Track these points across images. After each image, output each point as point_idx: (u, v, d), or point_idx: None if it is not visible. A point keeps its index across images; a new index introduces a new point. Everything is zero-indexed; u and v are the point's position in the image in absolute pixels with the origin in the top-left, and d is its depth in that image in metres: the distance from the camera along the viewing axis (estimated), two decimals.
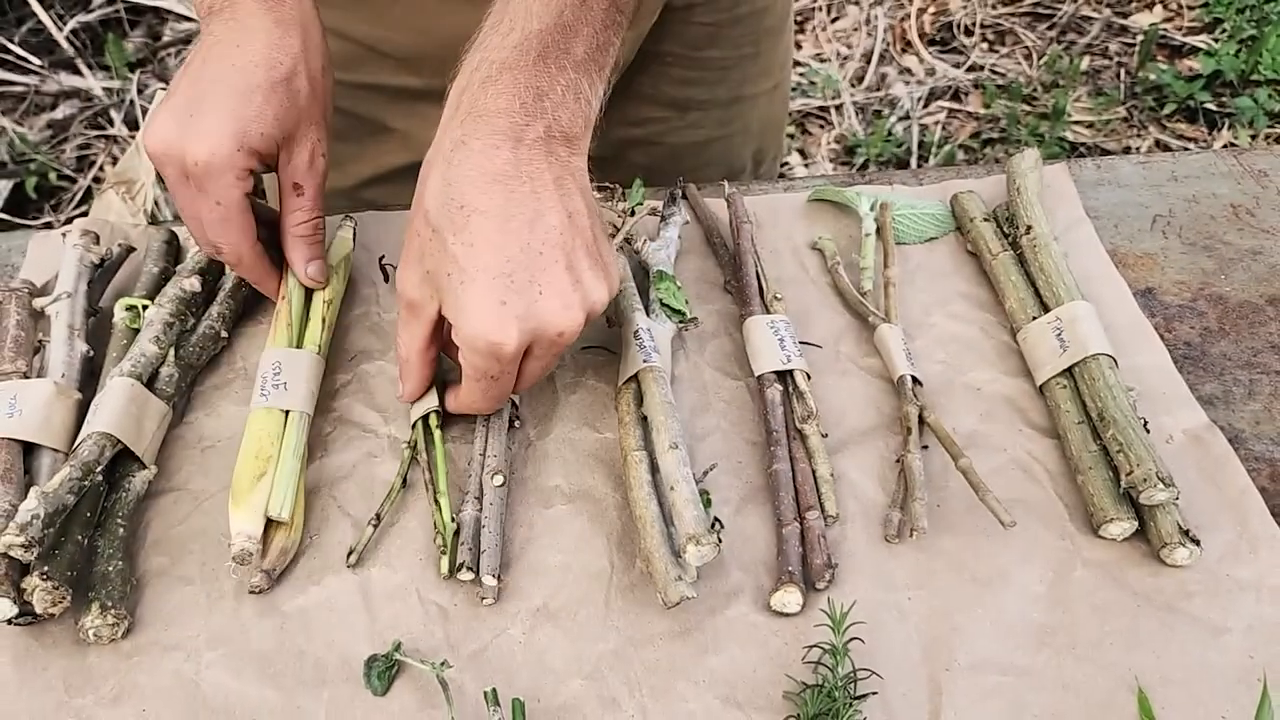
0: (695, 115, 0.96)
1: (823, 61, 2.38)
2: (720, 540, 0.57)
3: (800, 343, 0.71)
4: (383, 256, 0.77)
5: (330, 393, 0.71)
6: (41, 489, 0.57)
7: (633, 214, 0.77)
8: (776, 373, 0.68)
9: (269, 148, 0.66)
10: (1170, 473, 0.60)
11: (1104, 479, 0.62)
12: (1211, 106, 2.19)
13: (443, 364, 0.67)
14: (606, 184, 0.78)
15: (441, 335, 0.63)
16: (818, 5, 2.51)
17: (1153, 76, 2.25)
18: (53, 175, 2.10)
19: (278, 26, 0.65)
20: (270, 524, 0.61)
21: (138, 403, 0.64)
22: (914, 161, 2.15)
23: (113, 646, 0.58)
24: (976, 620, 0.58)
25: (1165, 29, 2.38)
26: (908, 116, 2.24)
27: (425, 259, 0.58)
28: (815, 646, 0.56)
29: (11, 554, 0.54)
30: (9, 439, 0.62)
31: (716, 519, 0.58)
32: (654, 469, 0.62)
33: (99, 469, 0.60)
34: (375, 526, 0.61)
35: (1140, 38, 2.35)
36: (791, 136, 2.22)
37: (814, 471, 0.64)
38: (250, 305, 0.76)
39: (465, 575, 0.59)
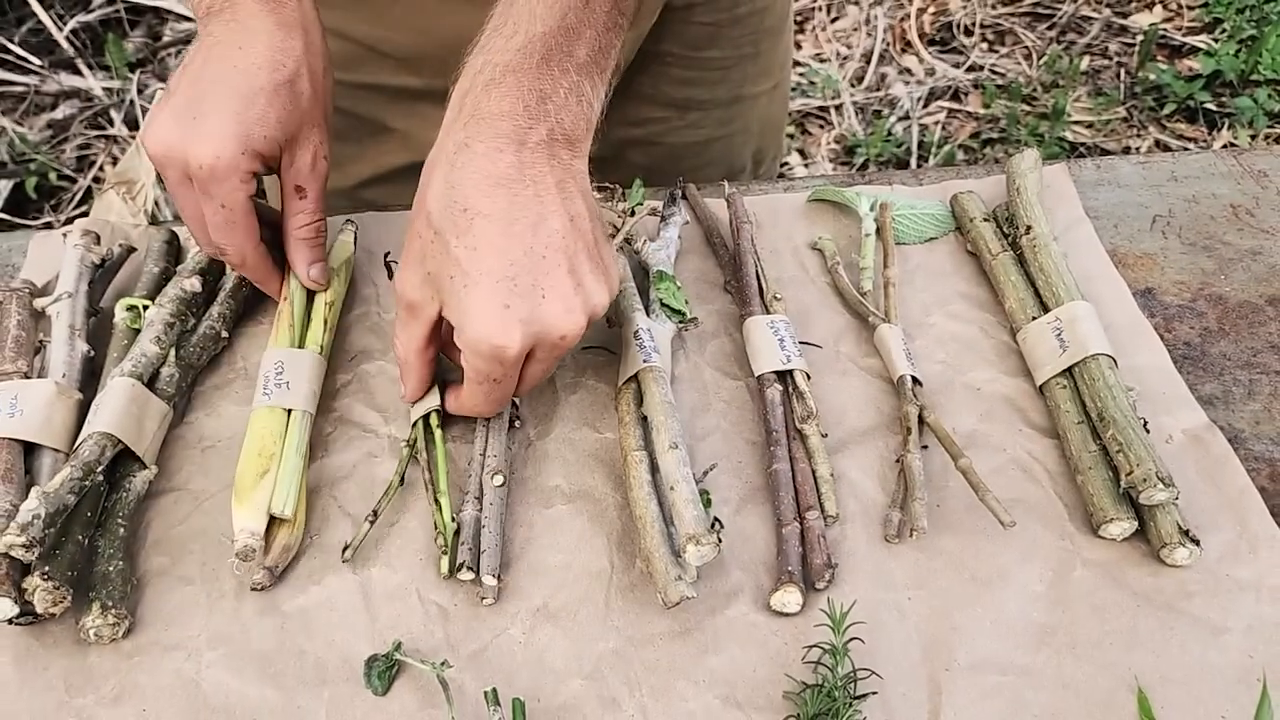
0: (695, 115, 0.96)
1: (823, 61, 2.38)
2: (720, 540, 0.57)
3: (800, 343, 0.71)
4: (388, 253, 0.77)
5: (331, 393, 0.71)
6: (42, 489, 0.57)
7: (633, 214, 0.77)
8: (776, 373, 0.68)
9: (272, 150, 0.66)
10: (1170, 473, 0.60)
11: (1104, 479, 0.62)
12: (1211, 106, 2.19)
13: (443, 364, 0.67)
14: (606, 184, 0.78)
15: (439, 336, 0.64)
16: (818, 5, 2.51)
17: (1152, 76, 2.25)
18: (53, 175, 2.10)
19: (280, 28, 0.65)
20: (273, 521, 0.61)
21: (138, 403, 0.64)
22: (914, 161, 2.15)
23: (113, 646, 0.58)
24: (976, 620, 0.58)
25: (1165, 29, 2.38)
26: (907, 116, 2.24)
27: (427, 260, 0.58)
28: (815, 646, 0.56)
29: (12, 554, 0.55)
30: (10, 439, 0.62)
31: (716, 519, 0.58)
32: (654, 469, 0.62)
33: (100, 469, 0.61)
34: (372, 523, 0.61)
35: (1140, 38, 2.35)
36: (791, 136, 2.22)
37: (814, 471, 0.64)
38: (251, 305, 0.76)
39: (465, 575, 0.59)
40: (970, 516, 0.63)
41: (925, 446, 0.66)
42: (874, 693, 0.55)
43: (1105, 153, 2.15)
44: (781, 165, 1.61)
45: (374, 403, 0.70)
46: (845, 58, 2.40)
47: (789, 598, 0.58)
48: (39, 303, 0.72)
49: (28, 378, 0.66)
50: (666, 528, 0.59)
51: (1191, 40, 2.35)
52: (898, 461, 0.66)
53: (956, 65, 2.35)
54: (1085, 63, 2.33)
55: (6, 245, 0.82)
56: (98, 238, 0.77)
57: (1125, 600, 0.59)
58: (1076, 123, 2.21)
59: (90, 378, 0.69)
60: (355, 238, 0.79)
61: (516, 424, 0.68)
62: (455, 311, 0.57)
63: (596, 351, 0.72)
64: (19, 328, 0.69)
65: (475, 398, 0.61)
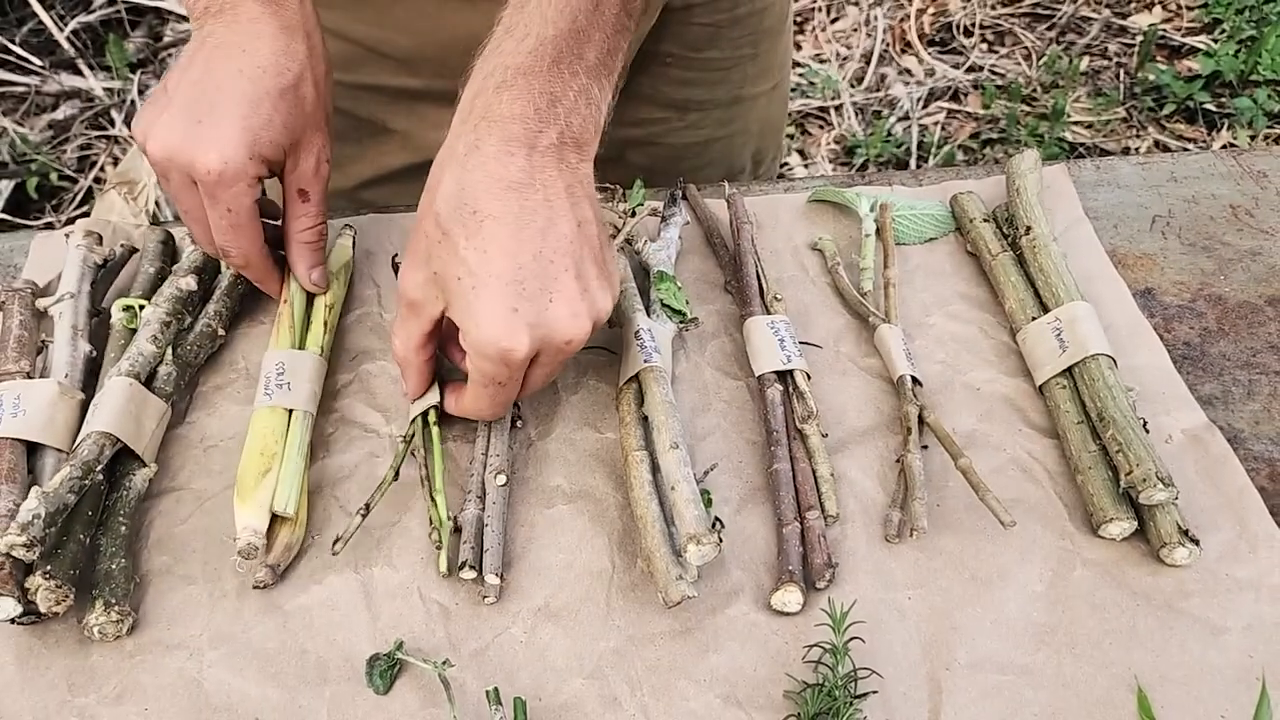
0: (695, 116, 0.96)
1: (822, 62, 2.38)
2: (721, 540, 0.57)
3: (800, 343, 0.71)
4: (395, 255, 0.78)
5: (332, 393, 0.71)
6: (42, 489, 0.57)
7: (633, 215, 0.77)
8: (777, 373, 0.69)
9: (278, 155, 0.66)
10: (1169, 472, 0.60)
11: (1103, 479, 0.62)
12: (1211, 107, 2.20)
13: (443, 362, 0.67)
14: (607, 185, 0.78)
15: (438, 336, 0.64)
16: (817, 5, 2.51)
17: (1152, 77, 2.25)
18: (54, 176, 2.11)
19: (283, 31, 0.65)
20: (275, 520, 0.61)
21: (136, 401, 0.64)
22: (913, 162, 2.15)
23: (115, 645, 0.58)
24: (976, 619, 0.59)
25: (1164, 29, 2.39)
26: (907, 117, 2.24)
27: (433, 260, 0.58)
28: (815, 645, 0.56)
29: (14, 554, 0.55)
30: (13, 439, 0.62)
31: (717, 518, 0.58)
32: (655, 469, 0.62)
33: (99, 468, 0.61)
34: (364, 516, 0.61)
35: (1139, 38, 2.35)
36: (791, 137, 2.22)
37: (814, 471, 0.64)
38: (248, 304, 0.76)
39: (468, 574, 0.59)
40: (970, 516, 0.63)
41: (925, 446, 0.66)
42: (874, 692, 0.55)
43: (1105, 153, 2.15)
44: (781, 166, 1.61)
45: (375, 403, 0.70)
46: (845, 58, 2.40)
47: (789, 597, 0.58)
48: (41, 303, 0.72)
49: (30, 378, 0.67)
50: (667, 527, 0.59)
51: (1191, 41, 2.35)
52: (898, 461, 0.66)
53: (956, 66, 2.36)
54: (1085, 63, 2.33)
55: (8, 245, 0.83)
56: (100, 238, 0.77)
57: (1125, 600, 0.59)
58: (1076, 123, 2.21)
59: (92, 378, 0.69)
60: (354, 241, 0.79)
61: (518, 424, 0.69)
62: (462, 313, 0.57)
63: (597, 352, 0.72)
64: (21, 328, 0.69)
65: (479, 400, 0.61)
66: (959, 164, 2.09)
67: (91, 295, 0.73)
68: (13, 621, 0.56)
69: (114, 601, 0.57)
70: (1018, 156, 0.81)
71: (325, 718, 0.55)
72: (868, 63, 2.38)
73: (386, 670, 0.56)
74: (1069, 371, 0.68)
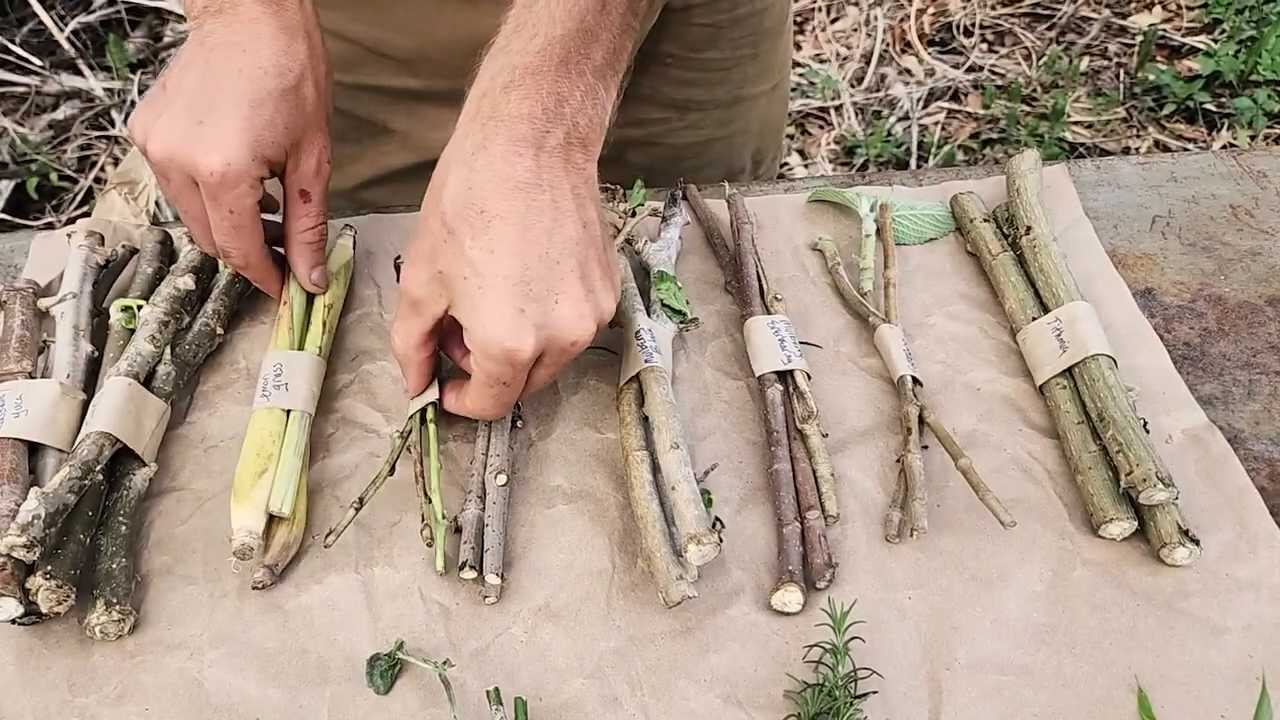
0: (695, 116, 0.96)
1: (822, 62, 2.38)
2: (721, 540, 0.57)
3: (800, 343, 0.71)
4: (398, 256, 0.78)
5: (332, 393, 0.71)
6: (42, 489, 0.57)
7: (634, 215, 0.77)
8: (777, 373, 0.69)
9: (280, 156, 0.66)
10: (1170, 473, 0.60)
11: (1103, 479, 0.62)
12: (1211, 107, 2.20)
13: (444, 360, 0.67)
14: (607, 185, 0.79)
15: (439, 334, 0.64)
16: (817, 6, 2.52)
17: (1152, 77, 2.25)
18: (54, 176, 2.11)
19: (284, 32, 0.65)
20: (272, 520, 0.62)
21: (135, 401, 0.64)
22: (914, 162, 2.15)
23: (116, 646, 0.58)
24: (976, 619, 0.59)
25: (1164, 30, 2.39)
26: (907, 117, 2.24)
27: (437, 259, 0.58)
28: (816, 645, 0.56)
29: (14, 555, 0.55)
30: (15, 439, 0.62)
31: (717, 518, 0.58)
32: (655, 469, 0.62)
33: (98, 468, 0.61)
34: (357, 510, 0.61)
35: (1139, 38, 2.35)
36: (791, 137, 2.22)
37: (814, 471, 0.64)
38: (248, 303, 0.76)
39: (468, 574, 0.59)
40: (970, 516, 0.63)
41: (925, 446, 0.66)
42: (874, 692, 0.55)
43: (1105, 153, 2.15)
44: (781, 166, 1.61)
45: (376, 403, 0.70)
46: (845, 58, 2.40)
47: (790, 597, 0.58)
48: (43, 303, 0.72)
49: (32, 378, 0.67)
50: (668, 527, 0.59)
51: (1191, 41, 2.35)
52: (898, 461, 0.66)
53: (956, 66, 2.36)
54: (1085, 63, 2.34)
55: (8, 245, 0.83)
56: (102, 238, 0.77)
57: (1125, 600, 0.59)
58: (1076, 123, 2.21)
59: (94, 378, 0.69)
60: (354, 242, 0.79)
61: (518, 424, 0.69)
62: (467, 313, 0.57)
63: (598, 352, 0.72)
64: (23, 328, 0.69)
65: (482, 400, 0.61)
66: (959, 164, 2.09)
67: (93, 295, 0.73)
68: (14, 622, 0.56)
69: (115, 601, 0.57)
70: (1018, 156, 0.81)
71: (326, 718, 0.55)
72: (868, 63, 2.38)
73: (387, 670, 0.56)
74: (1069, 372, 0.68)
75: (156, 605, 0.60)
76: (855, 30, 2.46)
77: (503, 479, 0.63)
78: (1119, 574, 0.60)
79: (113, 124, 2.22)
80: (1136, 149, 2.15)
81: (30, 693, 0.56)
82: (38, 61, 2.28)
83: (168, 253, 0.78)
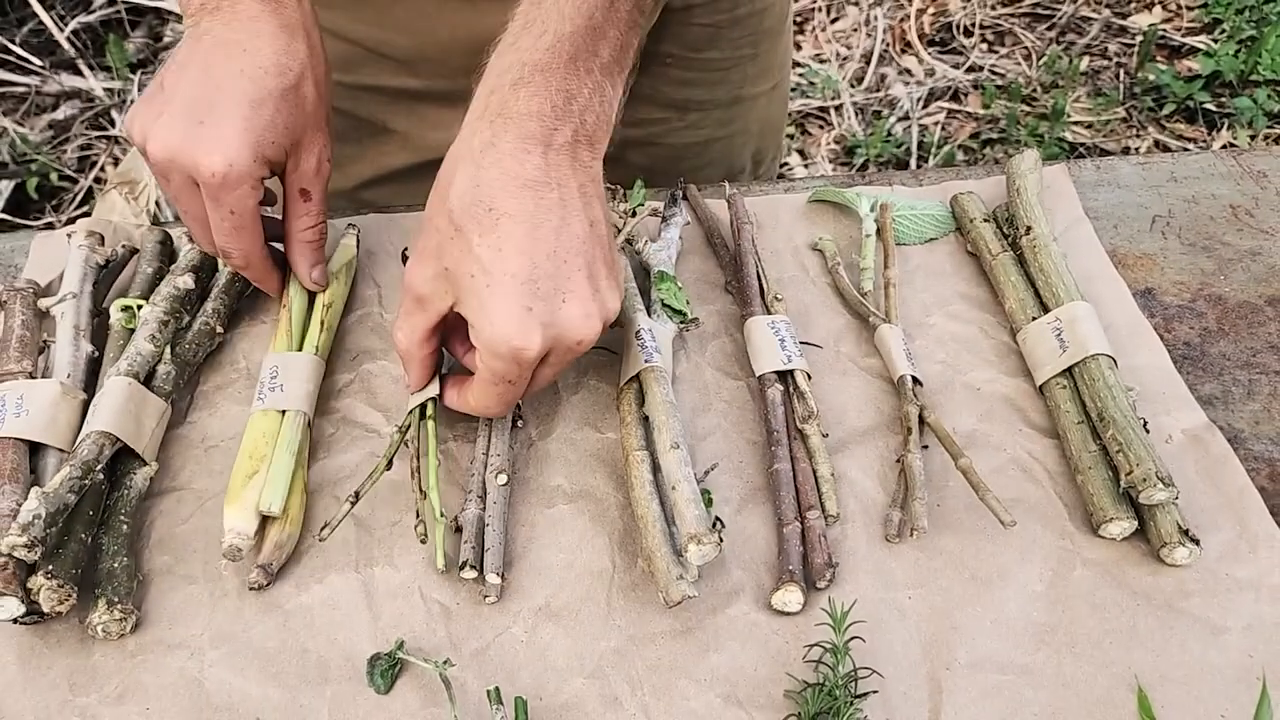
0: (695, 116, 0.96)
1: (822, 62, 2.38)
2: (721, 539, 0.57)
3: (801, 343, 0.71)
4: (405, 249, 0.78)
5: (333, 393, 0.71)
6: (42, 489, 0.57)
7: (634, 215, 0.77)
8: (777, 373, 0.69)
9: (280, 156, 0.66)
10: (1169, 472, 0.60)
11: (1103, 479, 0.62)
12: (1211, 107, 2.20)
13: (445, 357, 0.67)
14: (607, 185, 0.78)
15: (441, 331, 0.64)
16: (817, 6, 2.52)
17: (1152, 77, 2.26)
18: (54, 176, 2.11)
19: (284, 31, 0.64)
20: (266, 520, 0.61)
21: (135, 401, 0.64)
22: (914, 162, 2.15)
23: (117, 645, 0.58)
24: (976, 619, 0.59)
25: (1164, 29, 2.39)
26: (907, 117, 2.24)
27: (444, 256, 0.58)
28: (816, 645, 0.56)
29: (15, 554, 0.55)
30: (15, 439, 0.62)
31: (718, 518, 0.58)
32: (655, 468, 0.62)
33: (99, 467, 0.61)
34: (353, 504, 0.61)
35: (1139, 38, 2.35)
36: (791, 137, 2.22)
37: (814, 471, 0.64)
38: (248, 303, 0.76)
39: (468, 574, 0.59)
40: (970, 516, 0.63)
41: (925, 446, 0.66)
42: (875, 691, 0.55)
43: (1105, 153, 2.15)
44: (781, 166, 1.61)
45: (376, 403, 0.70)
46: (845, 58, 2.40)
47: (790, 597, 0.59)
48: (43, 303, 0.72)
49: (32, 378, 0.67)
50: (668, 527, 0.59)
51: (1191, 41, 2.35)
52: (898, 461, 0.66)
53: (956, 66, 2.36)
54: (1085, 63, 2.34)
55: (8, 245, 0.83)
56: (102, 238, 0.77)
57: (1125, 599, 0.59)
58: (1076, 123, 2.21)
59: (94, 378, 0.69)
60: (357, 241, 0.79)
61: (519, 424, 0.69)
62: (474, 311, 0.57)
63: (599, 352, 0.72)
64: (24, 327, 0.69)
65: (486, 397, 0.61)
66: (959, 164, 2.09)
67: (93, 295, 0.73)
68: (15, 621, 0.56)
69: (117, 600, 0.57)
70: (1018, 156, 0.81)
71: (326, 717, 0.55)
72: (868, 63, 2.38)
73: (387, 670, 0.57)
74: (1069, 371, 0.68)
75: (157, 605, 0.60)
76: (855, 30, 2.46)
77: (503, 479, 0.63)
78: (1119, 574, 0.60)
79: (113, 124, 2.22)
80: (1136, 149, 2.15)
81: (31, 692, 0.56)
82: (38, 61, 2.28)
83: (168, 253, 0.78)
